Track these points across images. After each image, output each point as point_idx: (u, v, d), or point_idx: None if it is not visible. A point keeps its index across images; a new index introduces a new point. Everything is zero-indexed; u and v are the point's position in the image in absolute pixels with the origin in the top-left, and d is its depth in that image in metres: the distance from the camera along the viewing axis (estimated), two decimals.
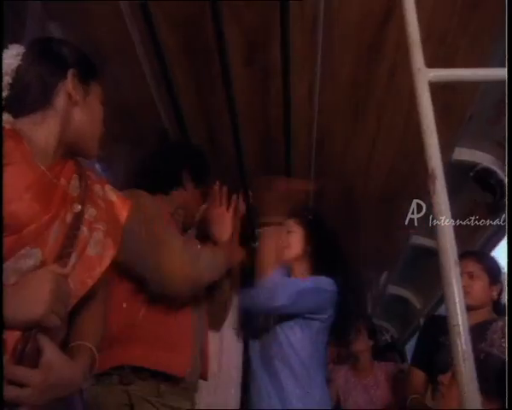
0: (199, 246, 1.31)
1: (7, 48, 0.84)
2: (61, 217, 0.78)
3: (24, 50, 0.85)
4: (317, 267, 1.71)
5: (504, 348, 1.56)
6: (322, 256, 1.73)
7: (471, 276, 1.74)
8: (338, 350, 2.80)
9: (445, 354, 1.53)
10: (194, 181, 1.47)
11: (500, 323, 1.65)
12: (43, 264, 0.74)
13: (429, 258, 2.65)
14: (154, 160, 1.50)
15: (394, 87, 1.55)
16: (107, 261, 0.85)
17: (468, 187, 2.06)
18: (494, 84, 1.61)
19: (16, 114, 0.81)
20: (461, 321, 0.69)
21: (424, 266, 3.01)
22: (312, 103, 1.67)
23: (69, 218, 0.79)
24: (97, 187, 0.91)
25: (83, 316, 0.85)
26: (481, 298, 1.72)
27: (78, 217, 0.81)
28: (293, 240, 1.81)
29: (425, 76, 0.90)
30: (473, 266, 1.73)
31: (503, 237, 2.09)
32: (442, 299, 3.15)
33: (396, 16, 1.29)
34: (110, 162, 1.98)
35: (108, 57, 1.52)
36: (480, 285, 1.73)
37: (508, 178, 0.83)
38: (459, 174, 2.03)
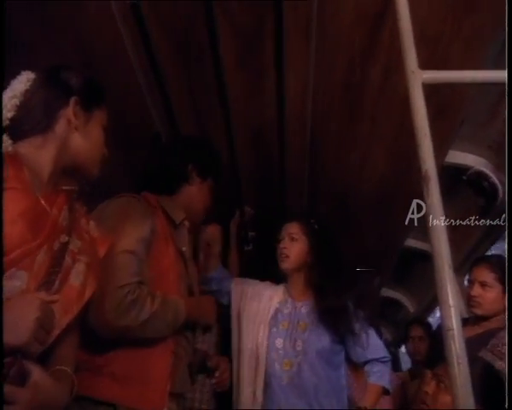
0: (158, 295, 1.14)
1: (19, 73, 0.90)
2: (48, 244, 0.81)
3: (34, 76, 0.90)
4: (319, 280, 1.72)
5: (503, 353, 1.55)
6: (324, 269, 1.72)
7: (484, 285, 1.71)
8: None
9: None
10: (200, 175, 1.43)
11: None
12: (28, 287, 0.76)
13: (423, 261, 2.66)
14: (159, 157, 1.48)
15: (388, 89, 1.55)
16: (89, 292, 0.87)
17: (461, 190, 2.06)
18: (486, 88, 1.63)
19: (18, 137, 0.85)
20: (455, 325, 0.69)
21: (417, 269, 3.02)
22: (306, 105, 1.66)
23: (56, 246, 0.82)
24: (83, 221, 0.96)
25: (63, 342, 0.86)
26: (493, 308, 1.70)
27: (64, 247, 0.84)
28: (296, 250, 1.79)
29: (419, 78, 0.90)
30: (486, 276, 1.70)
31: (495, 240, 2.10)
32: (435, 301, 3.18)
33: (390, 19, 1.28)
34: (102, 166, 1.96)
35: (99, 59, 1.50)
36: (492, 295, 1.70)
37: (508, 177, 0.83)
38: (452, 178, 2.04)
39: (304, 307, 1.74)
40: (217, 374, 1.44)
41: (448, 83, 0.99)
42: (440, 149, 1.77)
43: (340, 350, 1.71)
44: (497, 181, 1.88)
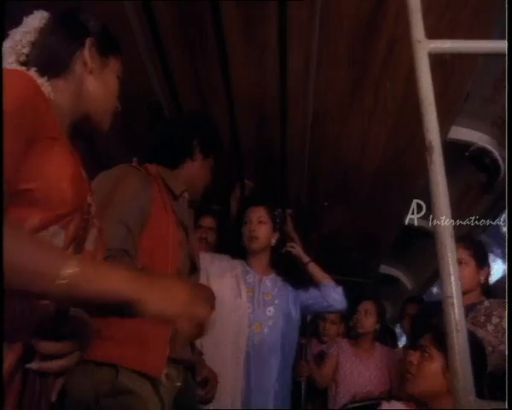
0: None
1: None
2: (84, 206, 0.78)
3: (49, 16, 0.86)
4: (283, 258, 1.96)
5: (482, 323, 1.58)
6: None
7: (460, 263, 1.76)
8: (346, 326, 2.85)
9: (416, 334, 1.57)
10: (203, 152, 1.44)
11: (486, 304, 1.71)
12: (64, 246, 0.72)
13: (422, 239, 2.67)
14: (165, 130, 1.49)
15: (392, 63, 1.53)
16: (100, 257, 0.84)
17: (464, 167, 2.06)
18: (491, 63, 1.61)
19: (41, 74, 0.79)
20: (455, 293, 0.69)
21: (416, 247, 3.04)
22: (309, 80, 1.65)
23: (85, 208, 0.79)
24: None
25: None
26: (470, 283, 1.77)
27: (89, 208, 0.81)
28: (264, 232, 1.93)
29: (425, 47, 0.89)
30: (461, 253, 1.76)
31: (496, 216, 2.10)
32: (432, 279, 3.19)
33: None
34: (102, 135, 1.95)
35: None
36: (468, 271, 1.78)
37: (508, 177, 0.83)
38: (455, 154, 2.03)
39: (268, 280, 1.94)
40: (204, 392, 1.43)
41: (455, 53, 0.97)
42: (443, 124, 1.76)
43: (298, 318, 1.95)
44: (499, 157, 1.87)
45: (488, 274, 1.83)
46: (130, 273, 0.66)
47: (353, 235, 2.85)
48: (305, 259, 2.04)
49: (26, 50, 0.80)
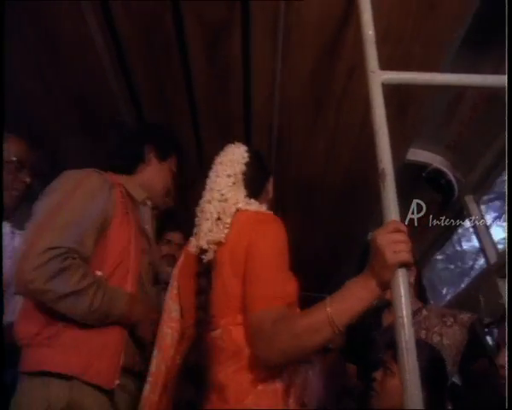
0: (99, 273, 1.12)
1: None
2: None
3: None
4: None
5: (430, 338, 1.59)
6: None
7: None
8: None
9: (375, 351, 1.58)
10: (157, 156, 1.46)
11: (424, 313, 1.66)
12: None
13: None
14: (119, 139, 1.51)
15: (352, 88, 1.59)
16: None
17: (421, 187, 2.14)
18: (444, 90, 1.70)
19: None
20: (405, 313, 0.73)
21: None
22: (273, 101, 1.69)
23: None
24: None
25: None
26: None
27: None
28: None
29: (378, 78, 0.94)
30: None
31: (450, 236, 2.19)
32: None
33: (354, 19, 1.32)
34: (70, 153, 1.93)
35: (67, 47, 1.48)
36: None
37: (508, 178, 0.89)
38: (412, 175, 2.11)
39: None
40: None
41: (407, 83, 1.02)
42: (401, 147, 1.84)
43: None
44: (453, 178, 1.97)
45: (417, 274, 1.77)
46: None
47: (317, 251, 2.89)
48: None
49: None
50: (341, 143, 1.95)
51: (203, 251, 1.08)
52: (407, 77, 0.99)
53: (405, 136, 1.80)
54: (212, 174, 1.20)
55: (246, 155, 1.22)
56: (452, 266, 7.20)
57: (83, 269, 1.07)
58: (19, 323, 1.10)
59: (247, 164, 1.20)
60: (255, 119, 1.78)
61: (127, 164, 1.41)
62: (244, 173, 1.18)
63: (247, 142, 1.89)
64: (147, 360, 1.20)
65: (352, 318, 0.87)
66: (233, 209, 1.10)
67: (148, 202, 1.40)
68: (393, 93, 1.47)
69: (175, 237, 2.16)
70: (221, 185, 1.14)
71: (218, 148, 1.96)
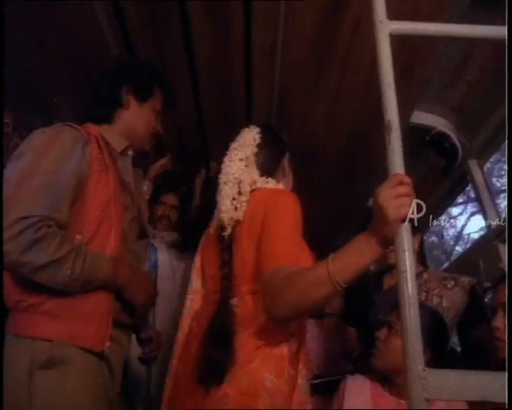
0: (78, 237, 1.07)
1: None
2: None
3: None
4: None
5: (430, 300, 1.61)
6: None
7: None
8: None
9: (378, 312, 1.59)
10: (136, 97, 1.30)
11: (425, 276, 1.69)
12: None
13: None
14: (94, 86, 1.34)
15: (357, 44, 1.53)
16: None
17: (424, 151, 2.11)
18: (451, 49, 1.65)
19: None
20: (408, 268, 0.71)
21: None
22: (274, 58, 1.64)
23: None
24: None
25: None
26: None
27: None
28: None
29: (386, 28, 0.89)
30: None
31: (455, 198, 2.17)
32: None
33: None
34: (63, 113, 1.89)
35: None
36: None
37: (508, 176, 0.86)
38: (416, 138, 2.08)
39: None
40: (147, 349, 1.36)
41: (415, 34, 0.98)
42: (406, 107, 1.79)
43: None
44: (457, 142, 1.93)
45: (420, 241, 1.80)
46: None
47: (317, 216, 2.88)
48: None
49: None
50: (343, 108, 1.90)
51: (223, 228, 1.18)
52: (416, 27, 0.94)
53: (410, 97, 1.76)
54: (226, 159, 1.27)
55: (257, 136, 1.29)
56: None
57: (59, 237, 1.02)
58: (5, 286, 1.06)
59: (258, 145, 1.27)
60: (256, 78, 1.73)
61: (104, 111, 1.28)
62: (256, 155, 1.26)
63: (247, 102, 1.87)
64: (140, 317, 1.23)
65: (353, 275, 0.88)
66: (248, 189, 1.19)
67: (130, 152, 1.29)
68: (398, 52, 1.43)
69: (169, 198, 2.16)
70: (234, 169, 1.23)
71: (217, 105, 1.94)
